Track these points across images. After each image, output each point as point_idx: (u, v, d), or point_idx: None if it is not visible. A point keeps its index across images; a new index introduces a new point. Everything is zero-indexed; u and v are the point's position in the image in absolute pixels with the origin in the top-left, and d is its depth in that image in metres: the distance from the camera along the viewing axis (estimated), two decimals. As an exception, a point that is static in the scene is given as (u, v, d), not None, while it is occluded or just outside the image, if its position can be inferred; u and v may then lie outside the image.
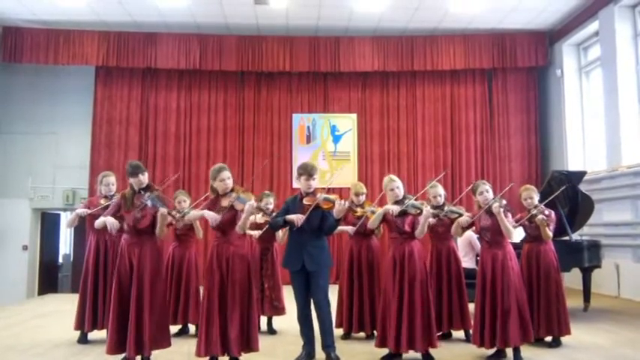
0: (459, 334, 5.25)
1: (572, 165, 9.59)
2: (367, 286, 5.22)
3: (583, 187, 6.62)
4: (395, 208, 4.40)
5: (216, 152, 10.43)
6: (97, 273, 5.15)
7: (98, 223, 4.40)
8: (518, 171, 10.46)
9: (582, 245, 6.35)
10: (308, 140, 10.64)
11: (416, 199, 4.52)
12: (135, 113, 10.40)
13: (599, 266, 6.56)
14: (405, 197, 4.51)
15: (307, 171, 4.38)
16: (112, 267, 5.13)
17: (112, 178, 5.28)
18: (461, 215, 4.98)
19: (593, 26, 9.18)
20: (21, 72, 10.46)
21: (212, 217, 4.08)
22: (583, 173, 6.85)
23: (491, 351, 4.47)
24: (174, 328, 5.47)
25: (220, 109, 10.59)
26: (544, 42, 10.41)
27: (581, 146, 9.89)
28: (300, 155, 10.48)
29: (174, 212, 4.13)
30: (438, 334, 5.07)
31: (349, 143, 10.63)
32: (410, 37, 10.37)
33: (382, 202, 5.05)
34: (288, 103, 10.70)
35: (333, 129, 10.66)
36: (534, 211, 4.86)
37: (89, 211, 5.14)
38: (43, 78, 10.52)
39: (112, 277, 4.95)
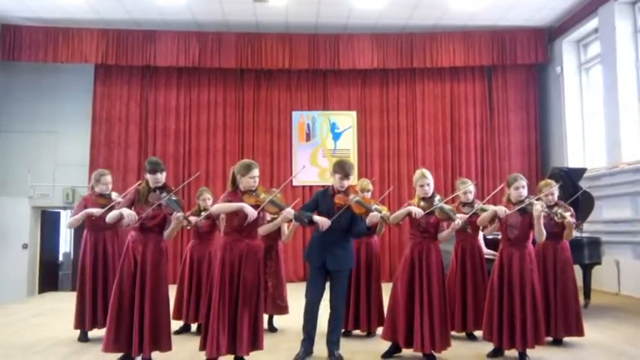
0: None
1: (572, 162, 9.58)
2: (365, 284, 5.19)
3: (583, 184, 6.62)
4: (419, 212, 4.31)
5: (215, 150, 10.42)
6: (95, 271, 5.11)
7: (112, 216, 4.10)
8: (518, 168, 10.40)
9: (582, 242, 6.36)
10: (308, 138, 10.62)
11: (445, 202, 4.44)
12: (134, 111, 10.37)
13: (599, 263, 6.57)
14: (433, 195, 4.45)
15: (344, 170, 4.36)
16: (112, 264, 5.13)
17: (109, 177, 5.27)
18: None
19: (592, 23, 9.16)
20: (20, 70, 10.43)
21: (252, 212, 3.91)
22: (583, 170, 6.86)
23: (490, 347, 4.47)
24: (175, 325, 5.47)
25: (220, 106, 10.56)
26: (544, 39, 10.39)
27: (581, 143, 9.88)
28: (300, 153, 10.48)
29: (190, 217, 4.06)
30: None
31: (349, 141, 10.62)
32: (409, 34, 10.35)
33: (387, 201, 4.97)
34: (287, 100, 10.68)
35: (333, 126, 10.64)
36: (557, 209, 4.73)
37: (102, 210, 4.86)
38: (42, 76, 10.49)
39: (112, 275, 4.96)
